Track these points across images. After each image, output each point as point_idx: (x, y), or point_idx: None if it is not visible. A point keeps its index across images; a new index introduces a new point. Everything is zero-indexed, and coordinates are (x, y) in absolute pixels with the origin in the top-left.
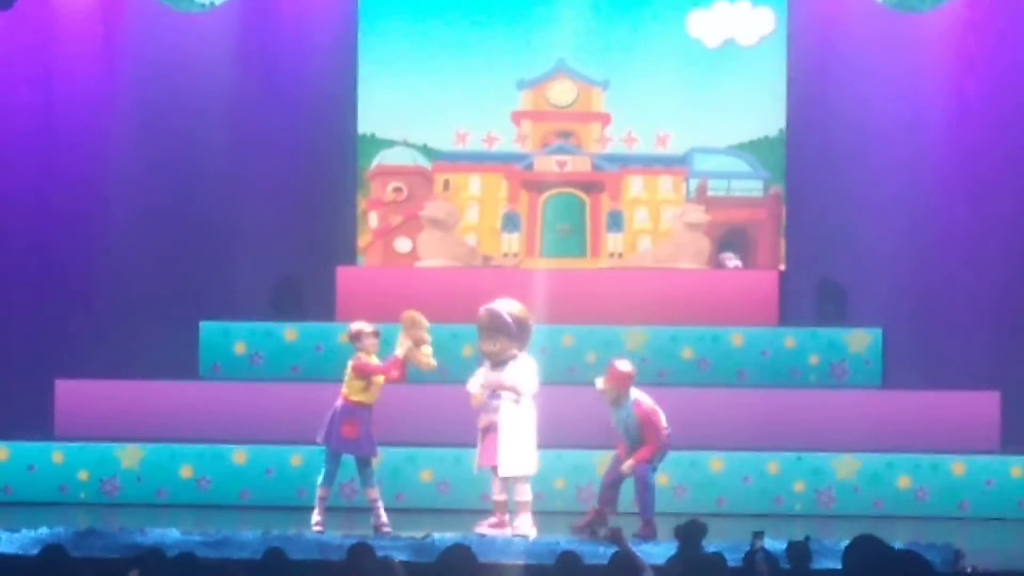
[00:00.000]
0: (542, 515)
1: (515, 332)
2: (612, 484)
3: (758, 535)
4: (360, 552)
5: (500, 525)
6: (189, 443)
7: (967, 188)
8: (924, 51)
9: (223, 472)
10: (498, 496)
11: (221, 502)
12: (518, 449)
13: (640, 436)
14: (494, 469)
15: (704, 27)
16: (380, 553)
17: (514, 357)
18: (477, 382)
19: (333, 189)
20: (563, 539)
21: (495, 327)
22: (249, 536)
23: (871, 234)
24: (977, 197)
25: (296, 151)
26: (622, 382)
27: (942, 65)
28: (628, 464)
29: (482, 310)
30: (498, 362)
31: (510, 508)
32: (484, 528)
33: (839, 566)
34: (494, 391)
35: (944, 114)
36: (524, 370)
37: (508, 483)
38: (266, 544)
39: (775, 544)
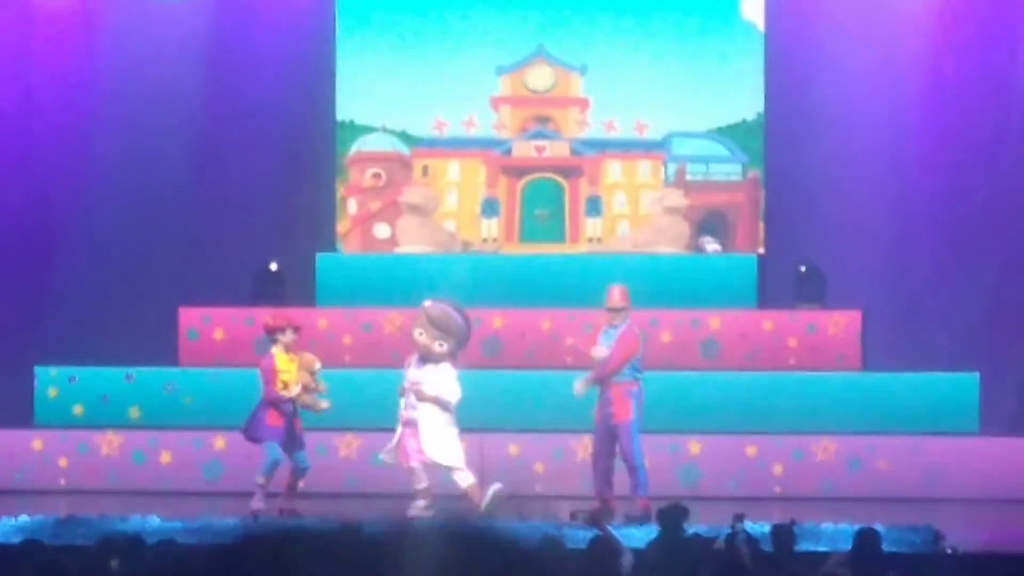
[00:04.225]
0: (522, 500)
1: (463, 339)
2: (604, 470)
3: (738, 518)
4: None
5: (430, 508)
6: (169, 429)
7: (947, 171)
8: (903, 34)
9: (203, 458)
10: (420, 485)
11: (202, 488)
12: (442, 441)
13: (620, 354)
14: (415, 466)
15: (683, 11)
16: None
17: (447, 360)
18: (405, 383)
19: (312, 176)
20: (543, 524)
21: (448, 329)
22: (230, 522)
23: (851, 217)
24: (957, 180)
25: (275, 138)
26: (624, 299)
27: (921, 48)
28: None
29: (434, 306)
30: (430, 360)
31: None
32: (415, 511)
33: (821, 549)
34: (418, 394)
35: (924, 97)
36: (451, 378)
37: (434, 471)
38: (247, 530)
39: (755, 527)
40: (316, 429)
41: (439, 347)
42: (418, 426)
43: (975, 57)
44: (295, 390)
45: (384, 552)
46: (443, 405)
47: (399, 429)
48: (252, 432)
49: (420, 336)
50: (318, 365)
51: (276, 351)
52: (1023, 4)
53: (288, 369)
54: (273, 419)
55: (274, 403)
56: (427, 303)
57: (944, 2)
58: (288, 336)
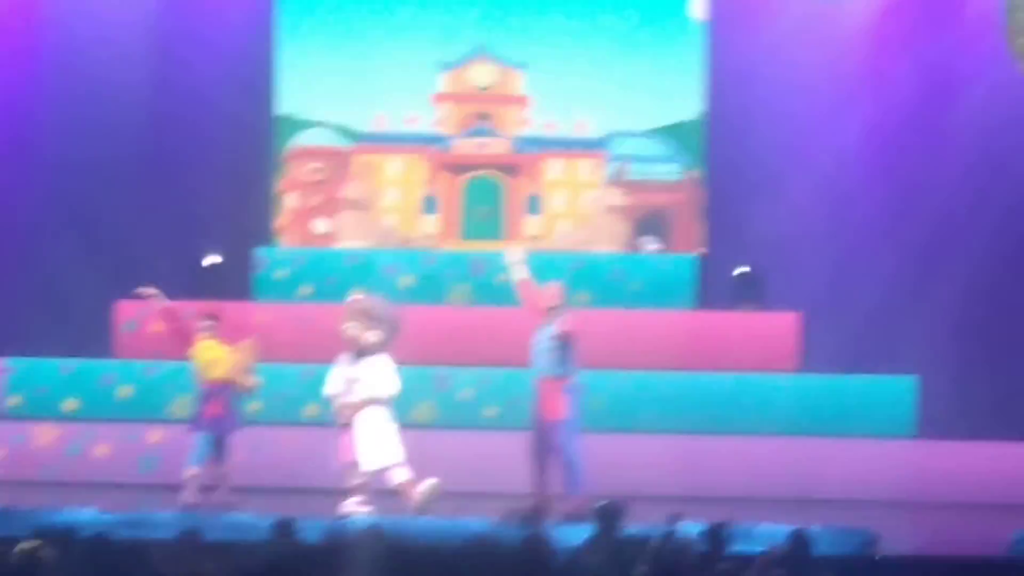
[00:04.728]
0: (458, 497)
1: (395, 326)
2: (539, 467)
3: (675, 517)
4: (286, 528)
5: (365, 503)
6: (105, 422)
7: (886, 173)
8: (844, 35)
9: (139, 451)
10: (356, 480)
11: (137, 481)
12: (377, 443)
13: (567, 346)
14: (353, 464)
15: (625, 10)
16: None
17: (382, 351)
18: (340, 381)
19: (251, 169)
20: (475, 520)
21: (378, 317)
22: (165, 516)
23: (791, 218)
24: (896, 181)
25: (214, 132)
26: (563, 298)
27: (862, 49)
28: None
29: (361, 298)
30: (365, 354)
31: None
32: (350, 507)
33: (757, 549)
34: (354, 390)
35: (865, 98)
36: (389, 370)
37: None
38: (182, 524)
39: (693, 527)
40: (252, 424)
41: (372, 336)
42: (353, 427)
43: (916, 57)
44: (215, 373)
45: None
46: (380, 402)
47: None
48: (191, 423)
49: (351, 329)
50: (251, 348)
51: (200, 340)
52: (964, 5)
53: (211, 355)
54: (205, 409)
55: (204, 393)
56: (353, 296)
57: (885, 4)
58: (204, 325)
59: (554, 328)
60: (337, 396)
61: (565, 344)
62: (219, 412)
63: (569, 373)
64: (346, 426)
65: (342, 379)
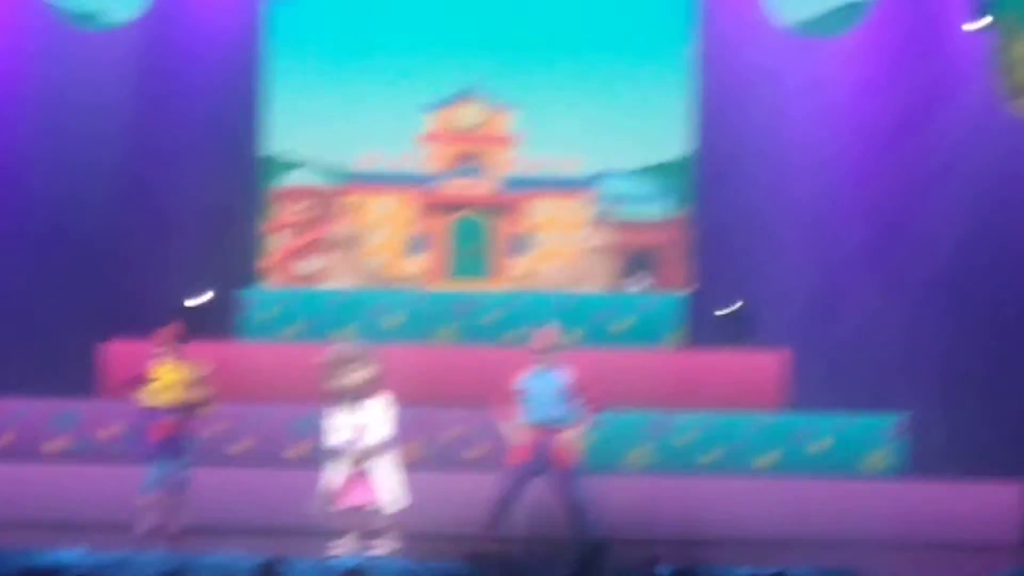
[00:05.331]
0: (450, 539)
1: (375, 361)
2: (506, 502)
3: (654, 559)
4: (272, 568)
5: (362, 542)
6: (93, 464)
7: (872, 209)
8: (830, 76)
9: (124, 492)
10: (360, 523)
11: (123, 521)
12: (394, 484)
13: (578, 395)
14: (365, 507)
15: (614, 51)
16: None
17: (378, 391)
18: (348, 428)
19: (238, 210)
20: (452, 564)
21: (359, 357)
22: (150, 557)
23: (779, 256)
24: (882, 219)
25: (201, 172)
26: (557, 340)
27: (847, 89)
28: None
29: (332, 348)
30: (359, 397)
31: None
32: (345, 546)
33: None
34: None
35: (849, 137)
36: (391, 412)
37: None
38: (166, 566)
39: (666, 569)
40: (236, 465)
41: (363, 376)
42: (370, 473)
43: (898, 96)
44: (163, 397)
45: None
46: (390, 445)
47: (335, 473)
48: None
49: (340, 379)
50: (199, 372)
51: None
52: (949, 46)
53: (164, 377)
54: (153, 435)
55: (152, 416)
56: (323, 354)
57: (869, 43)
58: (162, 351)
59: (561, 377)
60: (349, 443)
61: (575, 393)
62: (168, 435)
63: (576, 420)
64: (360, 472)
65: (350, 427)
